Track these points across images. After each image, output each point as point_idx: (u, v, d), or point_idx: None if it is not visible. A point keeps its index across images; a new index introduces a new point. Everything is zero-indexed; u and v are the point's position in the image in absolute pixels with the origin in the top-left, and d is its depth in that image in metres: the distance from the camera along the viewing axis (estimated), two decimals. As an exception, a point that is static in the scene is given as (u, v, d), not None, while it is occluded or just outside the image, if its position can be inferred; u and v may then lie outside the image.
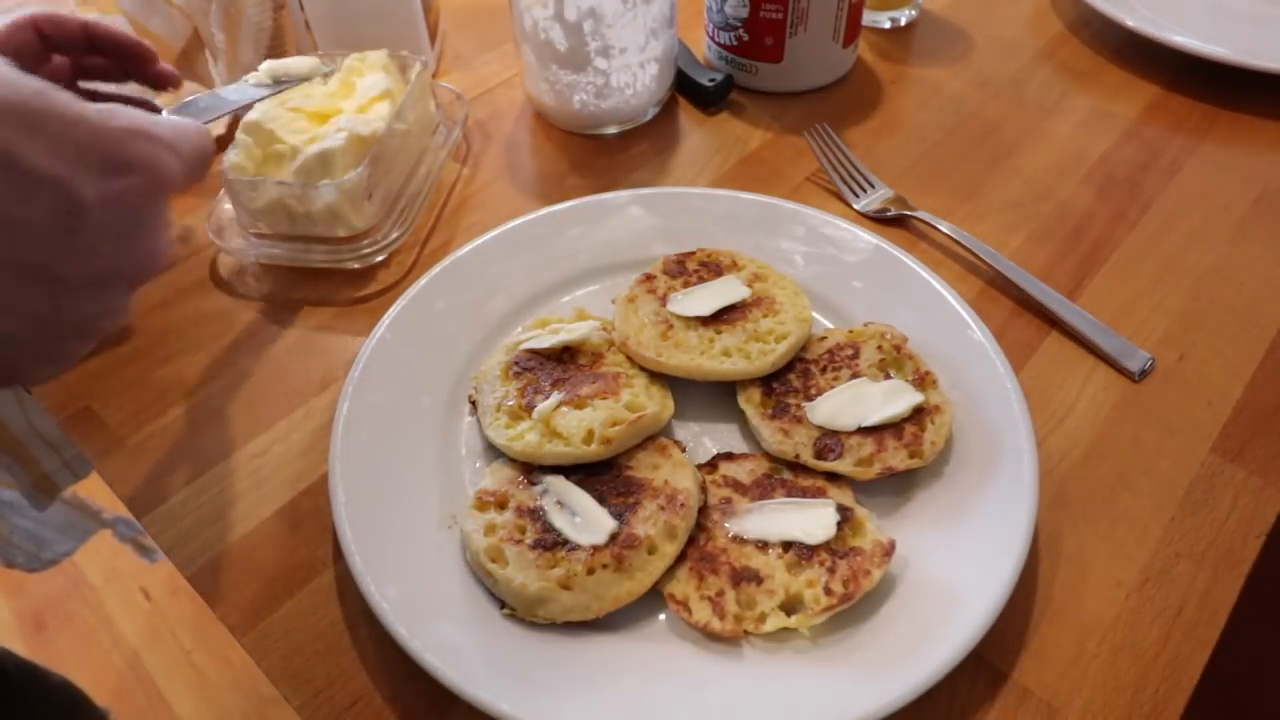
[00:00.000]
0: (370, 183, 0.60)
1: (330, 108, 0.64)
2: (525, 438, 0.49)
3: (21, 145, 0.31)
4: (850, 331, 0.55)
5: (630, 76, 0.71)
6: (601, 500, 0.46)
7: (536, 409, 0.49)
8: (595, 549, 0.44)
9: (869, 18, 0.86)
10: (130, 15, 0.69)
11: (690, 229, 0.62)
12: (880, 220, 0.67)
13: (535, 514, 0.46)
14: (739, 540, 0.46)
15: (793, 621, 0.42)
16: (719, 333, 0.54)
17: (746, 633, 0.43)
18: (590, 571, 0.43)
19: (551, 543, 0.45)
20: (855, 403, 0.50)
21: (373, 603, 0.42)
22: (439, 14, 0.85)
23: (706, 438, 0.53)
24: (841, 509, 0.46)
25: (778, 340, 0.53)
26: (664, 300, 0.56)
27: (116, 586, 1.45)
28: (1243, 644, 0.48)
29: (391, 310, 0.56)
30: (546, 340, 0.53)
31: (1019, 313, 0.60)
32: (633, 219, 0.63)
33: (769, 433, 0.50)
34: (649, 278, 0.58)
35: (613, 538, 0.44)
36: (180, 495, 0.52)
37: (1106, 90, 0.79)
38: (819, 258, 0.60)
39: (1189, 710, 0.42)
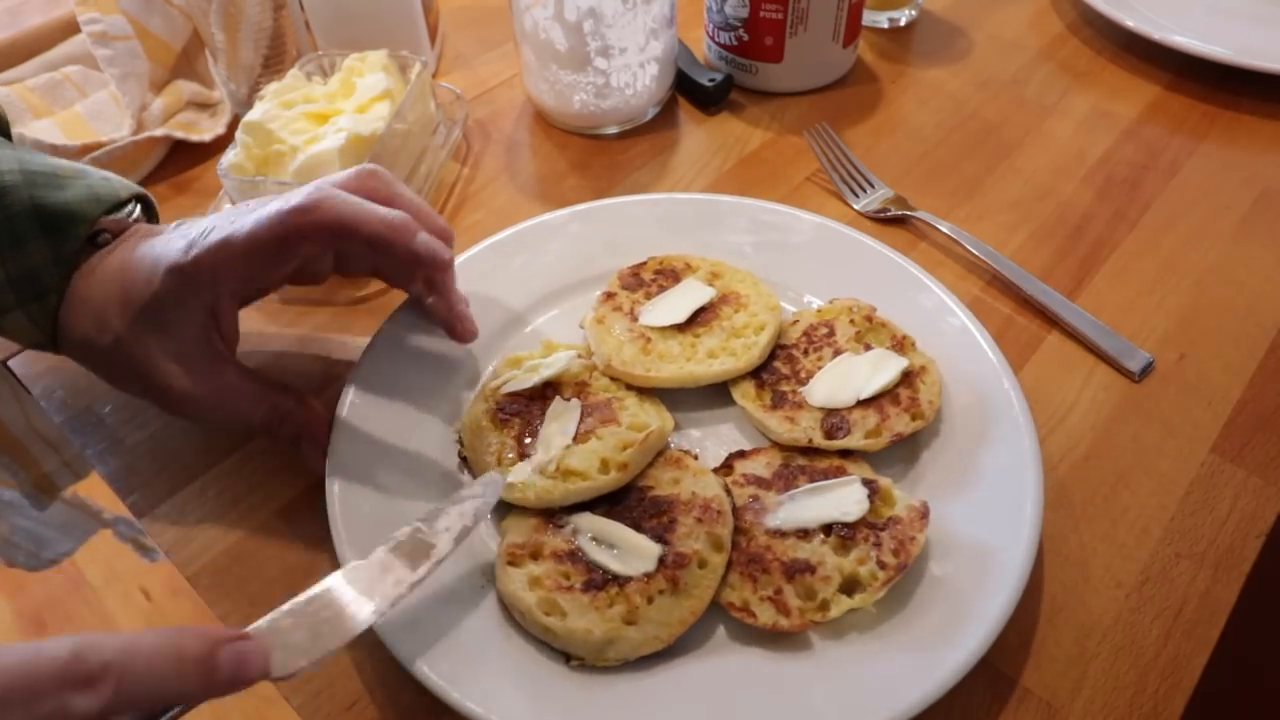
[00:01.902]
0: (370, 183, 0.60)
1: (330, 108, 0.64)
2: (538, 484, 0.47)
3: None
4: (819, 311, 0.55)
5: (630, 76, 0.71)
6: (636, 527, 0.45)
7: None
8: (648, 577, 0.43)
9: (869, 18, 0.86)
10: (130, 15, 0.69)
11: (634, 238, 0.60)
12: (880, 220, 0.67)
13: (574, 556, 0.44)
14: (779, 534, 0.45)
15: (857, 601, 0.42)
16: (698, 336, 0.54)
17: (814, 623, 0.42)
18: (650, 600, 0.42)
19: (601, 581, 0.43)
20: (847, 378, 0.51)
21: (428, 682, 0.40)
22: (439, 14, 0.85)
23: (708, 441, 0.52)
24: (867, 482, 0.46)
25: (756, 332, 0.53)
26: (632, 315, 0.55)
27: (116, 587, 1.45)
28: (1243, 644, 0.48)
29: (393, 311, 0.56)
30: (528, 380, 0.51)
31: (1019, 313, 0.60)
32: (575, 236, 0.61)
33: (775, 423, 0.50)
34: (610, 295, 0.57)
35: (661, 561, 0.43)
36: (180, 495, 0.52)
37: (1106, 90, 0.79)
38: (767, 245, 0.60)
39: (1189, 710, 0.42)
